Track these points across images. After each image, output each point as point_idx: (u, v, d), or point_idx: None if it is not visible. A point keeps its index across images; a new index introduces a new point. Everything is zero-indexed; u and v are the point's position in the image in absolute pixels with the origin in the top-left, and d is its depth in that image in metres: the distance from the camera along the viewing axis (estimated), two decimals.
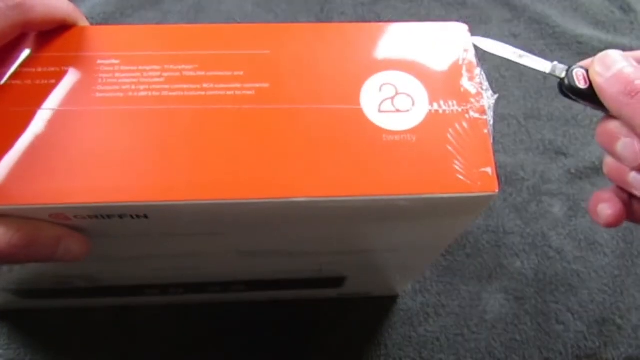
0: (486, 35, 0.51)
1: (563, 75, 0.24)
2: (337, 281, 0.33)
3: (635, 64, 0.23)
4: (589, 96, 0.23)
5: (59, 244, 0.21)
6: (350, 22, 0.51)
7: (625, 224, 0.42)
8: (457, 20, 0.54)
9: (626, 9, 0.53)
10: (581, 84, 0.23)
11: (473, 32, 0.24)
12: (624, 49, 0.51)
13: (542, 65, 0.24)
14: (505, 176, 0.44)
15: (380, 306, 0.38)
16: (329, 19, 0.51)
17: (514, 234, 0.41)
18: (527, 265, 0.40)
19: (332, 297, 0.38)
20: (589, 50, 0.50)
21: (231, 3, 0.51)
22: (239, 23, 0.50)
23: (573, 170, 0.44)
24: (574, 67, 0.24)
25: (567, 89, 0.23)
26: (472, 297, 0.39)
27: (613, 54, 0.23)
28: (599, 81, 0.23)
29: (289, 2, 0.51)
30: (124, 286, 0.32)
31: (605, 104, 0.23)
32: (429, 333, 0.38)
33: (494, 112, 0.22)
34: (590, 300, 0.39)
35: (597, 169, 0.44)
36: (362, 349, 0.37)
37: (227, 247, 0.25)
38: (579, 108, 0.47)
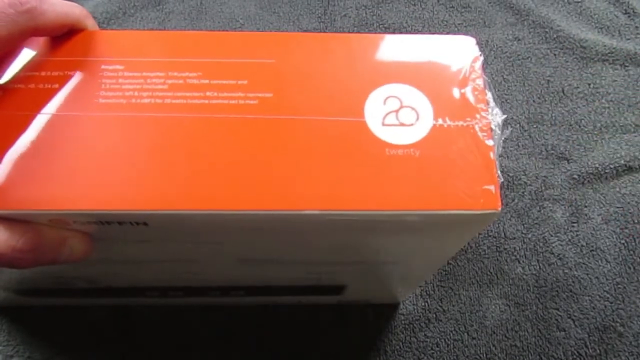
0: (490, 38, 0.51)
1: None
2: (336, 289, 0.33)
3: None
4: None
5: (64, 247, 0.21)
6: (353, 24, 0.50)
7: (628, 230, 0.42)
8: (461, 23, 0.54)
9: (630, 14, 0.52)
10: None
11: (476, 36, 0.24)
12: (628, 53, 0.52)
13: None
14: (507, 181, 0.43)
15: (381, 311, 0.38)
16: (331, 21, 0.50)
17: (515, 239, 0.41)
18: (528, 271, 0.40)
19: (332, 303, 0.37)
20: (593, 54, 0.50)
21: (233, 4, 0.51)
22: (241, 25, 0.50)
23: (576, 176, 0.44)
24: None
25: None
26: (472, 303, 0.39)
27: None
28: None
29: (292, 4, 0.51)
30: (124, 287, 0.32)
31: None
32: (429, 339, 0.38)
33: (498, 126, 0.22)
34: (592, 307, 0.39)
35: (600, 175, 0.44)
36: (361, 354, 0.37)
37: (227, 255, 0.25)
38: (583, 113, 0.47)
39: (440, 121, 0.21)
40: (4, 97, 0.21)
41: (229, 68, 0.22)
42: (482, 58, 0.23)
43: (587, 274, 0.40)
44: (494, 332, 0.38)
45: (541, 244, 0.41)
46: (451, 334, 0.38)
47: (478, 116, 0.22)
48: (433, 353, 0.37)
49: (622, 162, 0.44)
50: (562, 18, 0.52)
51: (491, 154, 0.21)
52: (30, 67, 0.22)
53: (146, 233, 0.21)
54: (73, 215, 0.20)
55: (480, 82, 0.22)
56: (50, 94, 0.21)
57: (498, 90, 0.48)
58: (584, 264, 0.41)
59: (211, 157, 0.20)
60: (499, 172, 0.21)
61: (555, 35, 0.51)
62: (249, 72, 0.22)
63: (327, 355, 0.37)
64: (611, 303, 0.39)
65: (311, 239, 0.23)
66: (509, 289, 0.40)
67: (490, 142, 0.21)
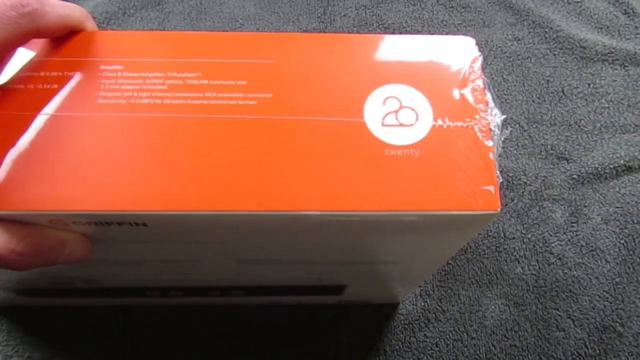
0: (489, 38, 0.51)
1: None
2: (336, 289, 0.33)
3: None
4: None
5: (63, 248, 0.21)
6: (353, 24, 0.50)
7: (628, 230, 0.42)
8: (460, 24, 0.54)
9: (630, 14, 0.52)
10: None
11: (476, 36, 0.24)
12: (628, 53, 0.52)
13: None
14: (507, 181, 0.43)
15: (380, 311, 0.38)
16: (331, 21, 0.50)
17: (515, 239, 0.41)
18: (528, 271, 0.40)
19: (332, 303, 0.37)
20: (593, 54, 0.50)
21: (233, 4, 0.51)
22: (241, 25, 0.50)
23: (575, 176, 0.44)
24: None
25: None
26: (471, 303, 0.39)
27: None
28: None
29: (292, 4, 0.51)
30: (124, 287, 0.32)
31: None
32: (429, 339, 0.38)
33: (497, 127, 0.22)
34: (591, 307, 0.39)
35: (599, 175, 0.44)
36: (361, 354, 0.37)
37: (226, 255, 0.25)
38: (582, 113, 0.47)
39: (439, 122, 0.21)
40: (3, 97, 0.21)
41: (229, 68, 0.22)
42: (481, 58, 0.23)
43: (587, 274, 0.40)
44: (494, 332, 0.38)
45: (541, 244, 0.41)
46: (451, 334, 0.38)
47: (477, 117, 0.22)
48: (432, 353, 0.37)
49: (622, 162, 0.44)
50: (562, 18, 0.52)
51: (490, 155, 0.21)
52: (30, 67, 0.22)
53: (145, 234, 0.21)
54: (72, 215, 0.20)
55: (479, 82, 0.22)
56: (49, 95, 0.21)
57: (498, 90, 0.48)
58: (583, 264, 0.41)
59: (210, 158, 0.20)
60: (498, 172, 0.21)
61: (555, 35, 0.51)
62: (248, 72, 0.22)
63: (327, 355, 0.37)
64: (611, 303, 0.39)
65: (311, 239, 0.23)
66: (509, 289, 0.40)
67: (489, 143, 0.21)
